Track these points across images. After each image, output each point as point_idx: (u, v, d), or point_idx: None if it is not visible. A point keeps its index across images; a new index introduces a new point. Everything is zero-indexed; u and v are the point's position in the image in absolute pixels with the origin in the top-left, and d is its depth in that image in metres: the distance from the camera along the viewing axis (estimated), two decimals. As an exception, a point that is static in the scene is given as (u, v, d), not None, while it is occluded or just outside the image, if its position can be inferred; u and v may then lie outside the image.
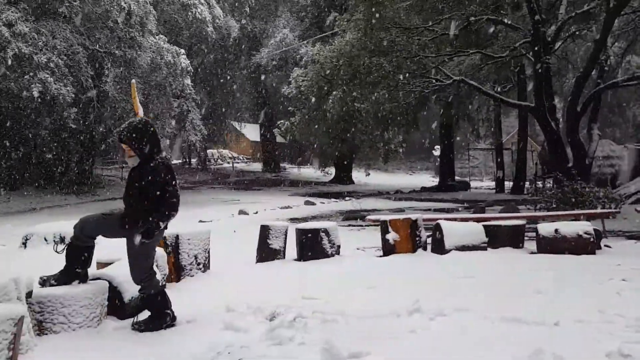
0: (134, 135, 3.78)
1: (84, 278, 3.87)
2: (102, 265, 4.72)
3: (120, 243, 3.94)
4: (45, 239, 7.75)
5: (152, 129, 3.89)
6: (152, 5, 18.32)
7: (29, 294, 3.34)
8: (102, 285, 3.85)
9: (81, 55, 17.27)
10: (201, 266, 5.75)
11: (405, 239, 6.90)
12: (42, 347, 3.27)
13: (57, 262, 3.91)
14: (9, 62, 14.93)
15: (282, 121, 23.47)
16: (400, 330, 3.58)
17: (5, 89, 16.70)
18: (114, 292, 4.04)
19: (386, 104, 15.97)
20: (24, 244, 7.87)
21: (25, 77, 15.42)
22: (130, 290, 4.14)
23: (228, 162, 46.05)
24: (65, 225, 8.06)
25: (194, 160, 40.67)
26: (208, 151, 42.80)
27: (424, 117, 25.76)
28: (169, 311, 3.97)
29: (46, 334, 3.46)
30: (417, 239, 6.97)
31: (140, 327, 3.83)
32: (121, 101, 28.52)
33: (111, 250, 5.82)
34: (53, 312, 3.47)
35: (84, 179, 22.76)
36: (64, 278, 3.77)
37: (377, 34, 14.68)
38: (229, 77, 31.95)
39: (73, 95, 16.64)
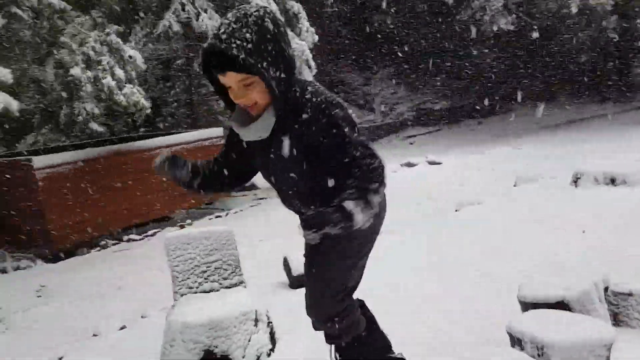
0: (249, 45, 1.71)
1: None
2: None
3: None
4: (596, 179, 7.82)
5: (273, 24, 1.78)
6: None
7: (605, 289, 3.61)
8: None
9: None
10: None
11: None
12: (620, 337, 3.52)
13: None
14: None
15: None
16: None
17: (545, 8, 17.68)
18: None
19: None
20: (575, 182, 8.17)
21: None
22: None
23: None
24: (616, 165, 7.83)
25: None
26: None
27: None
28: None
29: (620, 326, 3.70)
30: None
31: None
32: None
33: None
34: (628, 307, 3.65)
35: (622, 85, 21.38)
36: None
37: None
38: None
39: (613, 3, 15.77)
